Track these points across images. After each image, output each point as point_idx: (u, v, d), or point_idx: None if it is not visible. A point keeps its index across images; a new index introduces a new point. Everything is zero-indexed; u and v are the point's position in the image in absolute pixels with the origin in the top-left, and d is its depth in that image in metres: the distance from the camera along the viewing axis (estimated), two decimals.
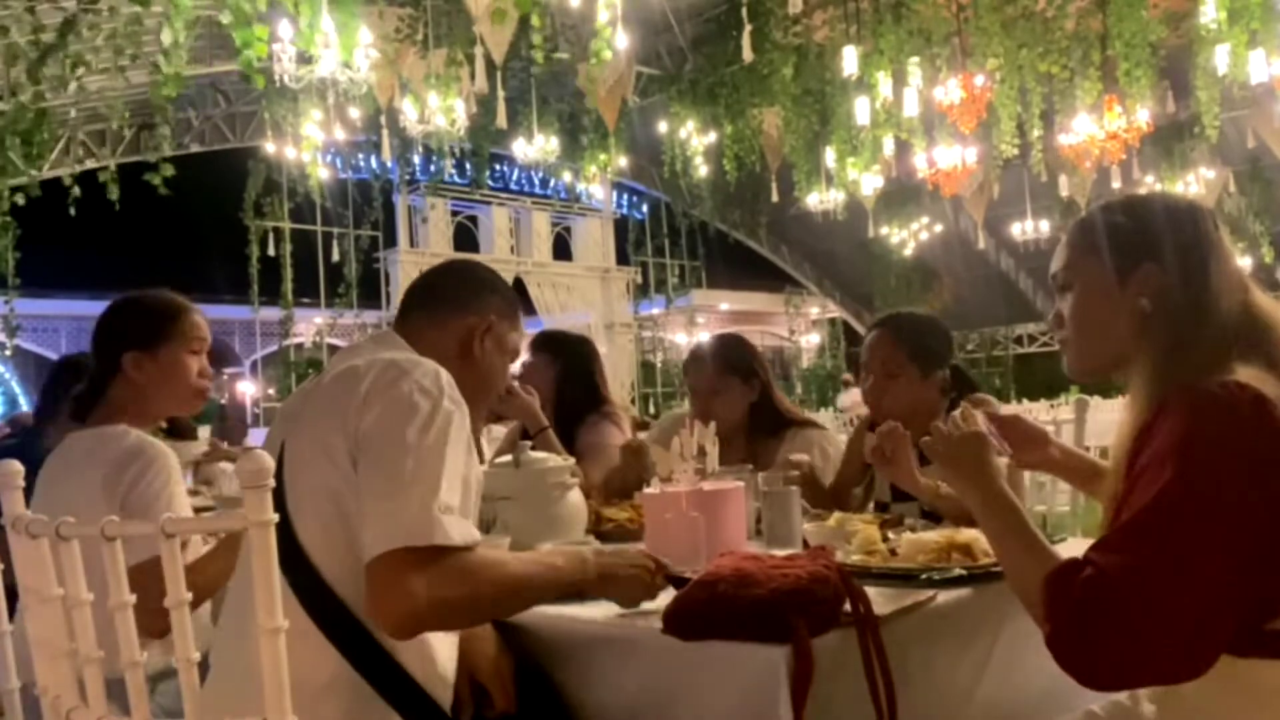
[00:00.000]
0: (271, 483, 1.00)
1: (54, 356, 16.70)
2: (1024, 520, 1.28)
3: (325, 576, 1.32)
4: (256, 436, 12.57)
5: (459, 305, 1.60)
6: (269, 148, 9.67)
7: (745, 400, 2.68)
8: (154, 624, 1.19)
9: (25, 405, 14.99)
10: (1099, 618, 1.07)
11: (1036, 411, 7.36)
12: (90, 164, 10.33)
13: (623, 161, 10.70)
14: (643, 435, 3.89)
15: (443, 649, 1.41)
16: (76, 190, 6.12)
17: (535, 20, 5.69)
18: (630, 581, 1.45)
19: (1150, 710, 1.34)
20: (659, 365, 16.08)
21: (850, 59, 7.20)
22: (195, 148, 11.27)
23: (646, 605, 1.47)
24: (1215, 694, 1.19)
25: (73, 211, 6.26)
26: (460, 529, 1.27)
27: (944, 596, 1.48)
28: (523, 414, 2.80)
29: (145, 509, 1.74)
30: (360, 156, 11.48)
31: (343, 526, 1.34)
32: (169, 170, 5.44)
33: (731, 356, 2.72)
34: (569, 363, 3.11)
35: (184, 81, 5.08)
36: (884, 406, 2.33)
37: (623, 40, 5.54)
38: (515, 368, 3.11)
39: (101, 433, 1.88)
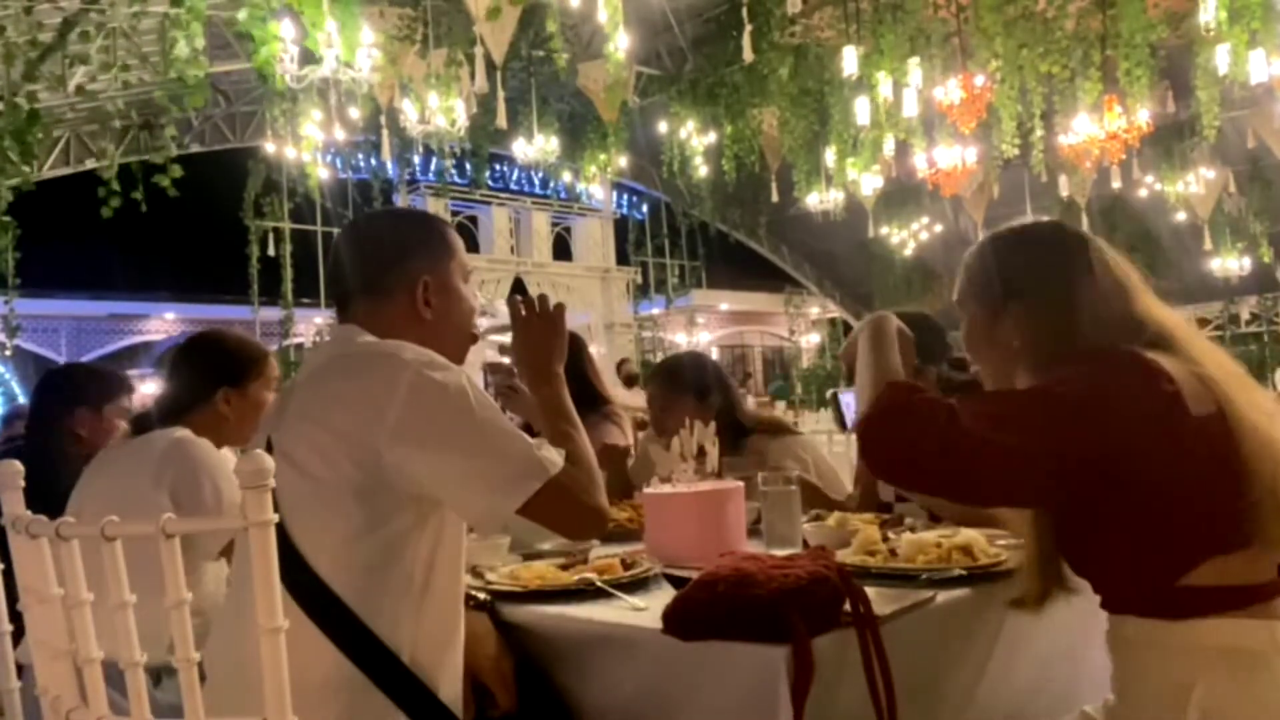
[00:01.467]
0: (271, 483, 1.00)
1: (54, 356, 16.72)
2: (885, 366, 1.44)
3: (321, 574, 1.33)
4: None
5: (387, 283, 1.54)
6: (269, 148, 9.66)
7: (704, 417, 2.68)
8: None
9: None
10: (915, 422, 1.24)
11: None
12: (90, 164, 10.33)
13: (623, 161, 10.70)
14: (644, 435, 3.89)
15: (447, 639, 1.42)
16: (115, 186, 6.10)
17: (550, 25, 5.69)
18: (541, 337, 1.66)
19: (1118, 704, 1.35)
20: None
21: (850, 59, 7.19)
22: (195, 148, 11.26)
23: (646, 605, 1.48)
24: (1159, 662, 1.23)
25: (108, 212, 6.25)
26: (555, 453, 1.42)
27: (944, 596, 1.48)
28: (529, 412, 2.81)
29: (192, 499, 1.85)
30: (360, 156, 11.47)
31: (337, 527, 1.34)
32: (177, 171, 5.44)
33: (686, 377, 2.76)
34: None
35: (206, 87, 5.09)
36: None
37: (623, 40, 5.54)
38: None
39: (154, 434, 2.02)
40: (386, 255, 1.56)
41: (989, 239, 1.50)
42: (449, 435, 1.36)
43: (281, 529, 1.33)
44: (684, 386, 2.73)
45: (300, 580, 1.32)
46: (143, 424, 2.12)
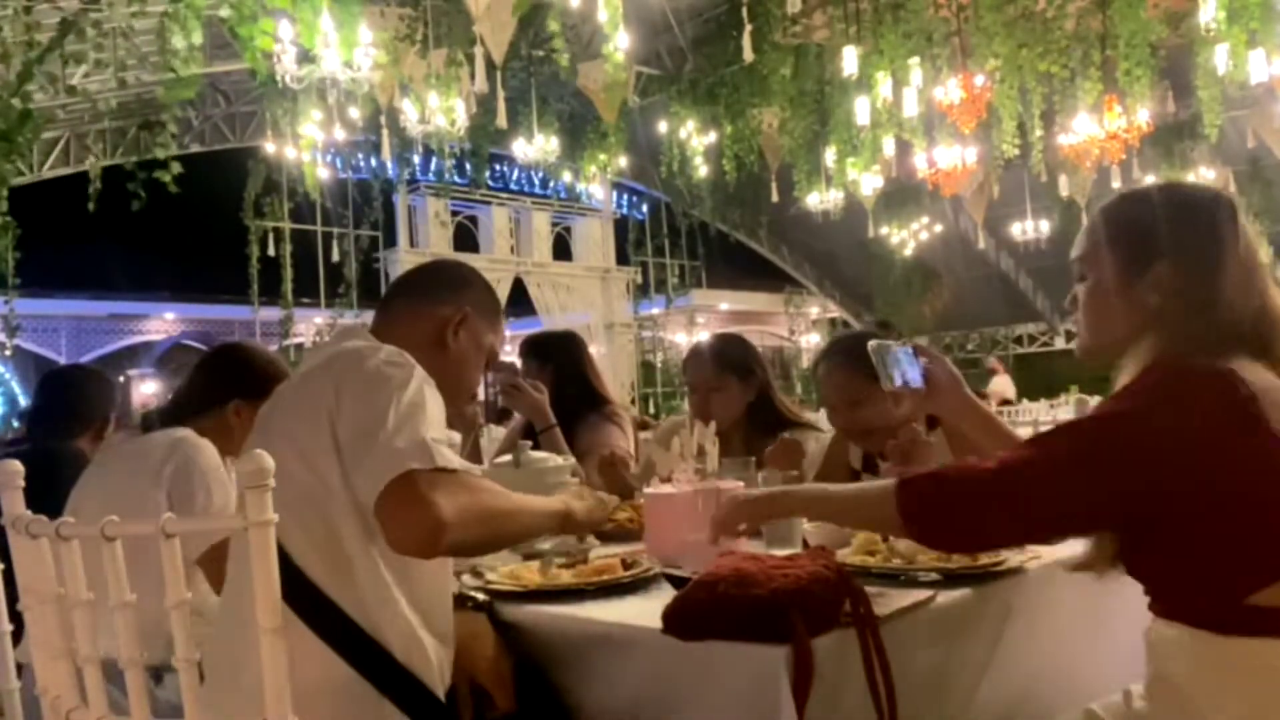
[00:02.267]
0: (271, 483, 1.00)
1: (54, 356, 16.71)
2: (832, 491, 1.49)
3: (310, 576, 1.33)
4: None
5: (435, 296, 1.63)
6: (269, 148, 9.67)
7: (743, 399, 2.69)
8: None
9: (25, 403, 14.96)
10: (950, 486, 1.25)
11: (1037, 411, 7.35)
12: (90, 164, 10.32)
13: (623, 161, 10.70)
14: (644, 435, 3.89)
15: (438, 634, 1.42)
16: (98, 185, 6.12)
17: (552, 25, 5.69)
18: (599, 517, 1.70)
19: (1143, 706, 1.34)
20: (659, 365, 16.06)
21: (850, 59, 7.19)
22: (195, 148, 11.25)
23: (646, 605, 1.48)
24: (1205, 678, 1.20)
25: (92, 208, 6.29)
26: (458, 460, 1.33)
27: (944, 596, 1.48)
28: (532, 411, 2.81)
29: (189, 496, 1.86)
30: (360, 156, 11.46)
31: (322, 526, 1.35)
32: (177, 168, 5.45)
33: (731, 355, 2.73)
34: (560, 364, 3.12)
35: (198, 83, 5.10)
36: (865, 432, 2.32)
37: (623, 40, 5.53)
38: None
39: (157, 434, 2.03)
40: (450, 279, 1.67)
41: (1143, 191, 1.41)
42: (367, 411, 1.34)
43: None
44: (729, 367, 2.70)
45: (288, 581, 1.32)
46: (151, 419, 2.11)
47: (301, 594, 1.32)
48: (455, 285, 1.67)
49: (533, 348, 3.22)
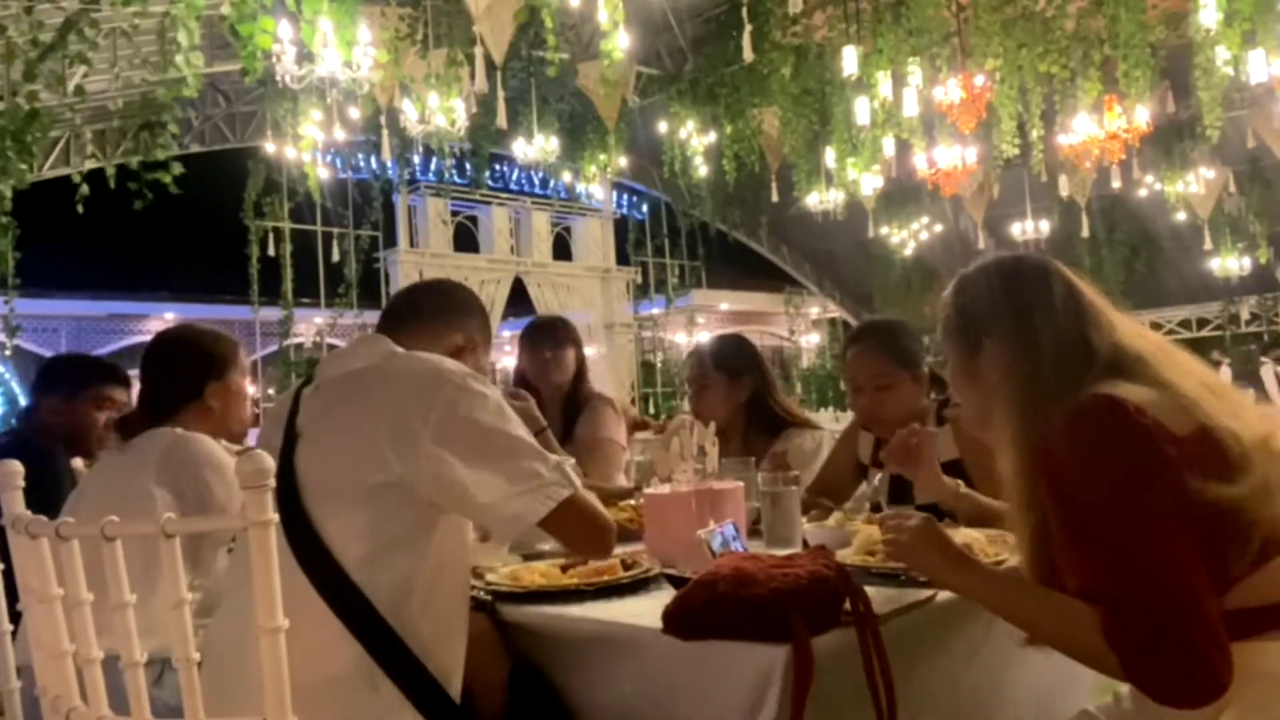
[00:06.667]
0: (271, 483, 1.00)
1: None
2: (1014, 582, 1.35)
3: (347, 568, 1.35)
4: (256, 437, 12.51)
5: (447, 323, 1.71)
6: (269, 148, 9.66)
7: (732, 399, 2.74)
8: None
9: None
10: (1169, 647, 1.11)
11: None
12: (90, 164, 10.31)
13: (623, 161, 10.68)
14: (645, 435, 3.90)
15: (456, 637, 1.44)
16: (85, 188, 6.10)
17: (548, 22, 5.68)
18: None
19: (1131, 709, 1.34)
20: (659, 365, 16.06)
21: (850, 59, 7.19)
22: (195, 148, 11.23)
23: (646, 605, 1.48)
24: None
25: (81, 209, 6.28)
26: (577, 472, 1.54)
27: (944, 596, 1.48)
28: (521, 417, 2.81)
29: (199, 496, 1.88)
30: (360, 156, 11.45)
31: (365, 517, 1.38)
32: (178, 169, 5.46)
33: (723, 355, 2.81)
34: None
35: (200, 81, 5.09)
36: (886, 418, 2.35)
37: (624, 40, 5.53)
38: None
39: (154, 434, 2.02)
40: (458, 305, 1.77)
41: (957, 279, 1.49)
42: (486, 442, 1.43)
43: (308, 522, 1.36)
44: (718, 366, 2.77)
45: (325, 573, 1.34)
46: (128, 425, 2.11)
47: (336, 586, 1.34)
48: (462, 312, 1.75)
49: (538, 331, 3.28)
